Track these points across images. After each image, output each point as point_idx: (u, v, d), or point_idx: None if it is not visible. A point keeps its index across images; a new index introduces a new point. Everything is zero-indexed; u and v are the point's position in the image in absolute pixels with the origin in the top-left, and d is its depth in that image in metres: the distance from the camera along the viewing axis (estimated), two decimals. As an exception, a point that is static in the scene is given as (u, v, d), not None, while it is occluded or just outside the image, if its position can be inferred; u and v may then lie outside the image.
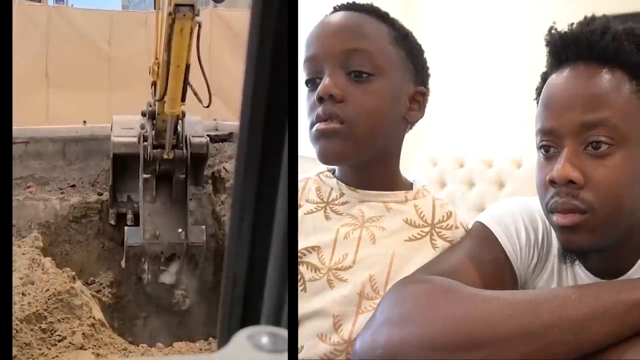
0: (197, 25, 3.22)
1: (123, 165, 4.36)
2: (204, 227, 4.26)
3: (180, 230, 4.07)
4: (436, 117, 1.06)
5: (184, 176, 4.15)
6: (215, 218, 4.76)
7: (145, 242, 4.03)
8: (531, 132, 0.87)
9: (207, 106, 3.52)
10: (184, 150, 4.08)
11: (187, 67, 3.37)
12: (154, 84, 3.81)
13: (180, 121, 3.94)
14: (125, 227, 4.20)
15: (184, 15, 3.13)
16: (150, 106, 4.05)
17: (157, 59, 3.70)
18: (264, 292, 0.46)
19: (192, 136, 4.18)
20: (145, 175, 4.11)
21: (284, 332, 0.41)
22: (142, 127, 4.13)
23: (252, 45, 0.42)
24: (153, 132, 4.04)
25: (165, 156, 4.05)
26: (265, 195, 0.45)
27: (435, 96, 1.01)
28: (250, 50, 0.43)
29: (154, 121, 4.02)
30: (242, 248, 0.46)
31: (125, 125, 4.36)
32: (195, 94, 3.54)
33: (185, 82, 3.42)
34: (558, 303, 0.72)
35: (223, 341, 0.42)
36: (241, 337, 0.39)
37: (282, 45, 0.42)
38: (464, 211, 1.02)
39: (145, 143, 4.05)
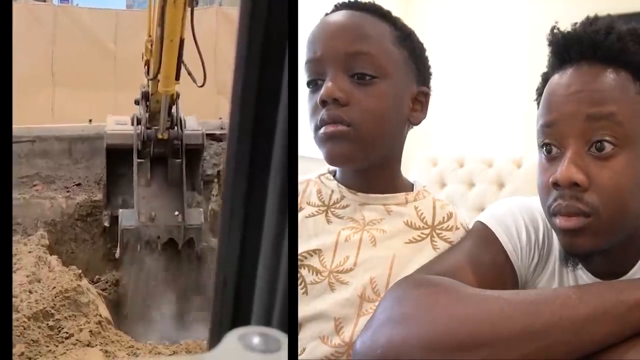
0: None
1: (117, 166, 4.29)
2: (201, 209, 4.19)
3: (177, 213, 3.99)
4: (436, 117, 1.05)
5: (179, 160, 4.08)
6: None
7: (141, 224, 3.92)
8: (531, 132, 0.87)
9: (202, 85, 3.41)
10: (179, 130, 3.99)
11: (182, 42, 3.28)
12: (147, 63, 3.73)
13: (174, 103, 3.86)
14: (120, 210, 4.10)
15: None
16: (144, 88, 3.97)
17: (150, 36, 3.62)
18: (254, 292, 0.46)
19: (188, 131, 4.12)
20: (139, 160, 4.03)
21: (274, 333, 0.41)
22: (138, 121, 4.07)
23: (241, 45, 0.42)
24: (147, 115, 3.97)
25: (159, 136, 3.97)
26: (255, 196, 0.45)
27: (435, 96, 1.00)
28: (240, 49, 0.42)
29: (148, 103, 3.95)
30: (232, 248, 0.46)
31: (119, 122, 4.32)
32: (190, 73, 3.46)
33: (180, 59, 3.33)
34: (559, 303, 0.71)
35: (214, 342, 0.42)
36: (232, 338, 0.40)
37: (272, 44, 0.42)
38: (464, 211, 1.02)
39: (139, 126, 3.98)
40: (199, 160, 4.52)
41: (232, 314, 0.45)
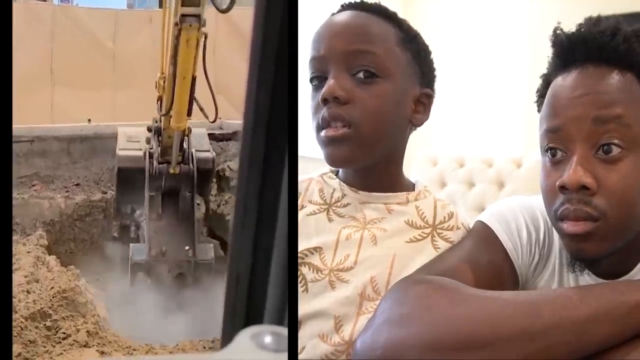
0: (204, 35, 3.20)
1: (128, 177, 4.29)
2: (212, 244, 4.17)
3: (187, 248, 3.99)
4: (436, 117, 1.06)
5: (190, 193, 4.09)
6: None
7: (151, 259, 3.93)
8: (531, 132, 0.87)
9: (213, 121, 3.49)
10: (190, 165, 4.02)
11: (194, 79, 3.34)
12: (159, 99, 3.78)
13: (186, 137, 3.90)
14: (130, 245, 4.10)
15: (190, 25, 3.11)
16: (156, 122, 4.01)
17: (162, 73, 3.68)
18: (267, 291, 0.46)
19: (198, 150, 4.13)
20: (151, 193, 4.05)
21: (287, 332, 0.41)
22: (148, 141, 4.08)
23: (256, 44, 0.42)
24: (159, 149, 3.99)
25: (171, 171, 3.98)
26: (269, 195, 0.45)
27: (435, 96, 1.00)
28: (254, 49, 0.43)
29: (160, 137, 3.98)
30: (245, 247, 0.46)
31: (130, 138, 4.31)
32: (202, 109, 3.51)
33: (192, 95, 3.39)
34: (559, 304, 0.71)
35: (226, 340, 0.42)
36: (244, 337, 0.40)
37: (285, 43, 0.42)
38: (464, 211, 1.02)
39: (150, 160, 4.00)
40: (207, 185, 4.51)
41: (244, 312, 0.46)
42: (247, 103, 0.44)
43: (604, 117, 0.78)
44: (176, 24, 3.14)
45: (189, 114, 3.50)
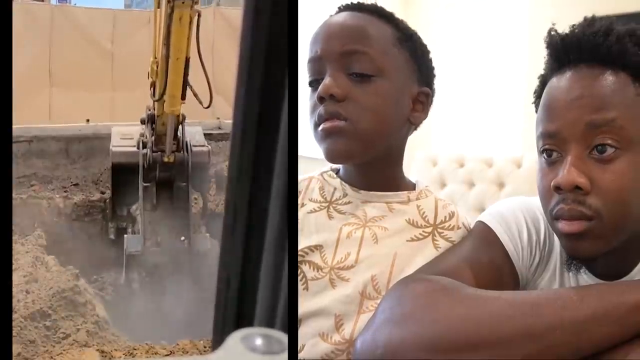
0: (197, 14, 3.15)
1: (123, 177, 4.25)
2: (208, 234, 4.16)
3: (183, 238, 3.97)
4: (436, 118, 1.05)
5: (185, 184, 4.05)
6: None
7: (147, 250, 3.90)
8: (531, 131, 0.87)
9: (208, 107, 3.44)
10: (185, 153, 3.97)
11: (187, 60, 3.29)
12: (152, 84, 3.73)
13: (180, 125, 3.85)
14: (125, 236, 4.07)
15: (183, 2, 3.07)
16: (149, 110, 3.96)
17: (155, 58, 3.64)
18: (257, 293, 0.46)
19: (194, 146, 4.09)
20: (145, 184, 4.00)
21: (277, 334, 0.41)
22: (142, 135, 4.04)
23: (245, 45, 0.42)
24: (153, 138, 3.94)
25: (165, 159, 3.93)
26: (259, 196, 0.45)
27: (435, 96, 1.01)
28: (243, 50, 0.42)
29: (154, 125, 3.93)
30: (235, 249, 0.46)
31: (124, 135, 4.28)
32: (195, 95, 3.47)
33: (185, 77, 3.34)
34: (560, 304, 0.71)
35: (217, 343, 0.42)
36: (235, 339, 0.39)
37: (276, 45, 0.42)
38: (464, 211, 1.02)
39: (144, 149, 3.95)
40: (203, 179, 4.47)
41: (235, 314, 0.45)
42: (235, 106, 0.43)
43: (597, 121, 0.79)
44: (169, 2, 3.09)
45: (183, 97, 3.45)
